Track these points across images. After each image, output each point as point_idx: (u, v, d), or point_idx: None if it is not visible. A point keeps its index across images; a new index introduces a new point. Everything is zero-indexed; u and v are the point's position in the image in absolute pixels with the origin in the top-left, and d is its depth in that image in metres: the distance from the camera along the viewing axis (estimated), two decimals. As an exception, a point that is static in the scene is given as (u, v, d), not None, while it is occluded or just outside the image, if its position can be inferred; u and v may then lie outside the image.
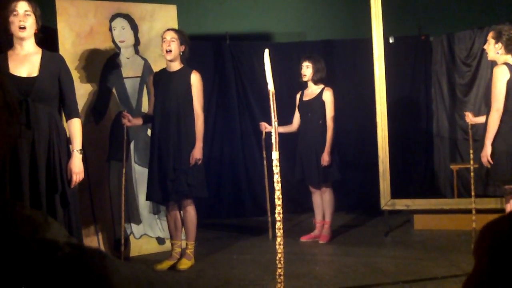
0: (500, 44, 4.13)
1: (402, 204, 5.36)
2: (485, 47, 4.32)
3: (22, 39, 3.35)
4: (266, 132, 5.14)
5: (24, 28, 3.32)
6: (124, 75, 4.79)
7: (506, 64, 4.10)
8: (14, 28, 3.32)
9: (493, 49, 4.17)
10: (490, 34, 4.21)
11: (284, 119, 5.07)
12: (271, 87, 2.82)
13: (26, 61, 3.36)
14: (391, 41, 6.33)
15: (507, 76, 4.06)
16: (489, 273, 0.65)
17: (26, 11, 3.32)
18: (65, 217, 3.31)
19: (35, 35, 3.40)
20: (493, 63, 4.27)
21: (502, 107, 4.06)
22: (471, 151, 4.70)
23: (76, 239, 0.52)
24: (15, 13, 3.31)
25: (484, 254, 0.67)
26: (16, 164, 3.19)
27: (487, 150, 4.08)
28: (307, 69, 5.06)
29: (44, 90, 3.31)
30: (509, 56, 4.13)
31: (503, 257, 0.64)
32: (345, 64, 6.68)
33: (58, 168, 3.29)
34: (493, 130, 4.08)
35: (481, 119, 4.56)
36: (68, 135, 3.47)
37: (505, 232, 0.66)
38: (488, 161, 4.08)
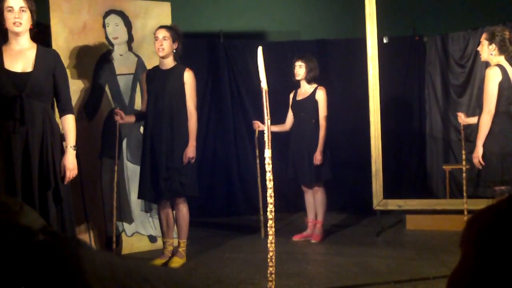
0: (493, 46, 4.13)
1: (394, 204, 5.36)
2: (478, 48, 4.32)
3: (17, 34, 3.33)
4: (259, 131, 5.14)
5: (19, 23, 3.30)
6: (117, 72, 4.77)
7: (499, 65, 4.10)
8: (9, 24, 3.30)
9: (487, 51, 4.17)
10: (484, 36, 4.21)
11: (278, 118, 5.07)
12: (264, 85, 2.80)
13: (20, 56, 3.34)
14: (385, 41, 6.34)
15: (499, 78, 4.06)
16: (475, 265, 0.64)
17: (21, 7, 3.30)
18: (58, 214, 3.29)
19: (30, 30, 3.39)
20: (487, 64, 4.28)
21: (494, 108, 4.06)
22: (463, 152, 4.71)
23: (53, 228, 0.51)
24: (10, 8, 3.29)
25: (471, 245, 0.66)
26: (9, 159, 3.18)
27: (479, 151, 4.09)
28: (300, 69, 5.05)
29: (39, 85, 3.29)
30: (502, 57, 4.13)
31: (490, 248, 0.63)
32: (339, 64, 6.67)
33: (52, 164, 3.28)
34: (485, 131, 4.08)
35: (473, 120, 4.57)
36: (61, 131, 3.46)
37: (492, 223, 0.65)
38: (480, 162, 4.09)
